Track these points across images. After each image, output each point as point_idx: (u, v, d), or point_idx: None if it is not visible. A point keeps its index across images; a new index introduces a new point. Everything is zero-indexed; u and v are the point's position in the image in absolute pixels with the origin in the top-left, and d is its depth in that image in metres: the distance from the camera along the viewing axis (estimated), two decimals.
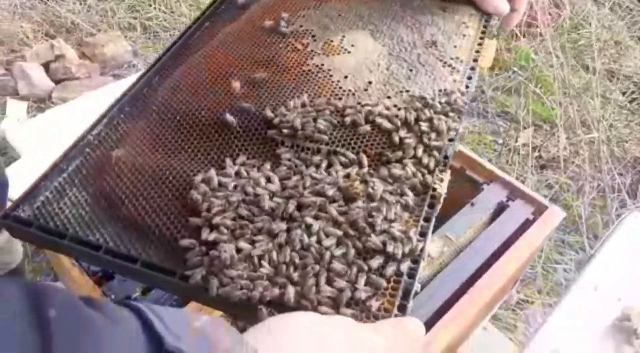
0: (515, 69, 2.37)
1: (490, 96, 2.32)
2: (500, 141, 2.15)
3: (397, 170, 0.69)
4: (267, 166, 0.71)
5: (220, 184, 0.68)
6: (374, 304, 0.54)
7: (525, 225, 0.96)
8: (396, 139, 0.73)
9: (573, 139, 2.07)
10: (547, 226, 0.95)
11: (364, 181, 0.67)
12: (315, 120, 0.75)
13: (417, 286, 0.59)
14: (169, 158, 0.73)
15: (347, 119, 0.75)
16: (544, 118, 2.22)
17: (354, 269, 0.58)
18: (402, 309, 0.56)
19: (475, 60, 0.88)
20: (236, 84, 0.82)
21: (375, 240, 0.60)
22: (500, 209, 1.01)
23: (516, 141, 2.11)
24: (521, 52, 2.45)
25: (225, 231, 0.61)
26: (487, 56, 0.91)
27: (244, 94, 0.81)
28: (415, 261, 0.60)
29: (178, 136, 0.76)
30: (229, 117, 0.76)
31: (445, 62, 0.87)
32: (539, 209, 0.98)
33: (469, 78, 0.85)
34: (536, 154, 2.06)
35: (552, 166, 2.03)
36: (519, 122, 2.16)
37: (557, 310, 1.00)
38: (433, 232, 0.90)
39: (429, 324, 0.79)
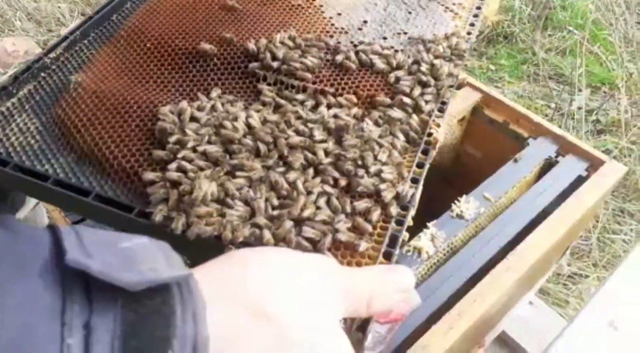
0: (571, 28, 2.16)
1: (542, 57, 2.12)
2: (553, 106, 1.94)
3: (391, 112, 0.62)
4: (244, 103, 0.63)
5: (192, 117, 0.60)
6: (362, 245, 0.47)
7: (578, 183, 0.82)
8: (392, 80, 0.65)
9: (636, 100, 1.88)
10: (603, 184, 0.80)
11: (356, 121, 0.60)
12: (303, 56, 0.67)
13: (404, 234, 0.52)
14: (135, 87, 0.65)
15: (338, 58, 0.68)
16: (601, 80, 2.02)
17: (339, 211, 0.51)
18: (388, 256, 0.49)
19: (478, 7, 0.80)
20: (217, 14, 0.73)
21: (364, 182, 0.53)
22: (548, 165, 0.86)
23: (570, 104, 1.90)
24: (577, 10, 2.23)
25: (193, 168, 0.54)
26: (492, 6, 0.84)
27: (225, 24, 0.72)
28: (405, 208, 0.53)
29: (147, 64, 0.68)
30: (207, 45, 0.68)
31: (447, 7, 0.79)
32: (594, 165, 0.83)
33: (472, 25, 0.77)
34: (592, 118, 1.88)
35: (611, 130, 1.84)
36: (574, 84, 1.94)
37: (613, 279, 0.87)
38: (469, 192, 0.82)
39: (462, 292, 0.71)
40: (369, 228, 0.51)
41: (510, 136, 0.93)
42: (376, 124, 0.61)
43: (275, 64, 0.66)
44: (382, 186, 0.53)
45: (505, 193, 0.85)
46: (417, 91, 0.64)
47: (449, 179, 1.05)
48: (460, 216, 0.80)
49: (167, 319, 0.24)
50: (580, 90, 1.95)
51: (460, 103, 0.95)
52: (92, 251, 0.25)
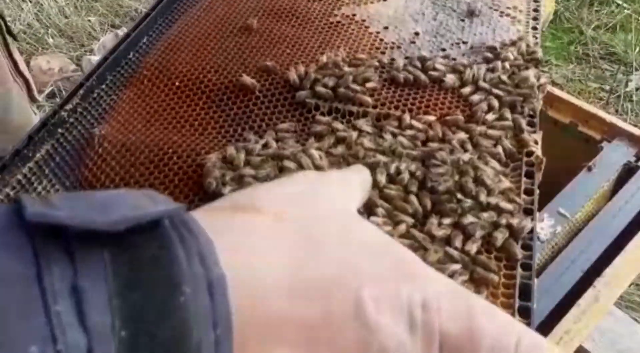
0: (619, 1, 2.00)
1: (591, 35, 1.95)
2: (608, 88, 1.80)
3: (480, 132, 0.52)
4: (296, 138, 0.53)
5: (246, 162, 0.50)
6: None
7: None
8: (467, 94, 0.56)
9: None
10: None
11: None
12: (357, 78, 0.58)
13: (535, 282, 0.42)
14: (170, 133, 0.55)
15: (398, 75, 0.58)
16: None
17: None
18: (526, 313, 0.39)
19: (536, 9, 0.71)
20: (248, 41, 0.64)
21: (479, 222, 0.43)
22: (627, 172, 0.77)
23: (626, 85, 1.77)
24: None
25: None
26: (548, 3, 0.76)
27: (259, 51, 0.63)
28: (528, 248, 0.44)
29: (180, 105, 0.58)
30: (247, 79, 0.58)
31: (502, 12, 0.71)
32: None
33: (534, 29, 0.68)
34: None
35: None
36: (629, 63, 1.81)
37: None
38: (540, 209, 0.73)
39: (544, 329, 0.61)
40: (494, 277, 0.41)
41: (579, 139, 0.83)
42: (462, 147, 0.51)
43: (328, 91, 0.56)
44: (501, 221, 0.43)
45: (582, 207, 0.75)
46: (502, 105, 0.55)
47: None
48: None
49: (171, 263, 0.20)
50: (636, 69, 1.80)
51: None
52: (58, 204, 0.20)
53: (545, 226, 0.71)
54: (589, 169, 0.77)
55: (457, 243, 0.43)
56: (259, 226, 0.28)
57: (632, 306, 1.32)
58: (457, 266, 0.41)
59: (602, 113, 0.82)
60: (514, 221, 0.44)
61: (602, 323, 1.08)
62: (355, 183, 0.37)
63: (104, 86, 0.62)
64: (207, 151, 0.52)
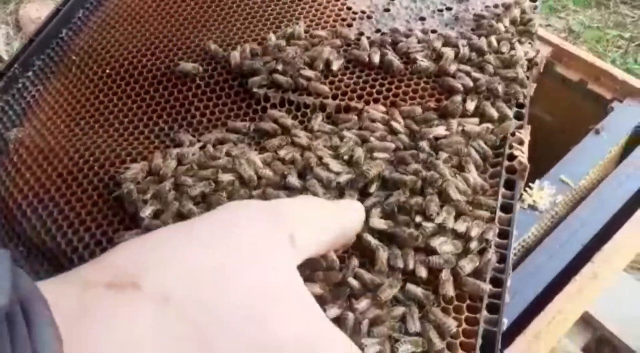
0: None
1: None
2: (627, 35, 1.66)
3: (449, 135, 0.43)
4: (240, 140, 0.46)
5: (176, 177, 0.43)
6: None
7: None
8: (445, 81, 0.47)
9: None
10: None
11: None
12: (314, 62, 0.49)
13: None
14: (95, 135, 0.48)
15: (363, 56, 0.49)
16: None
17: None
18: None
19: None
20: (195, 15, 0.55)
21: (435, 260, 0.36)
22: (637, 136, 0.70)
23: None
24: None
25: None
26: None
27: (206, 28, 0.54)
28: (498, 282, 0.36)
29: (109, 98, 0.50)
30: (188, 64, 0.50)
31: None
32: None
33: None
34: None
35: None
36: None
37: None
38: (541, 176, 0.63)
39: (537, 306, 0.54)
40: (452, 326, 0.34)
41: (589, 99, 0.73)
42: (431, 146, 0.43)
43: (287, 80, 0.48)
44: (462, 263, 0.36)
45: (587, 175, 0.67)
46: (481, 94, 0.45)
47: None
48: (533, 208, 0.63)
49: None
50: None
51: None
52: None
53: (545, 195, 0.64)
54: (597, 132, 0.68)
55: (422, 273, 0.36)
56: (133, 314, 0.22)
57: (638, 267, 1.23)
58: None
59: (614, 70, 0.71)
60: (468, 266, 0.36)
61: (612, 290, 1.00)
62: (320, 224, 0.30)
63: (30, 74, 0.54)
64: (133, 158, 0.45)
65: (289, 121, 0.46)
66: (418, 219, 0.38)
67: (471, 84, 0.46)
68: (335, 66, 0.49)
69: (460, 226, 0.37)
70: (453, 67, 0.47)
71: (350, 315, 0.33)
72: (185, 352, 0.22)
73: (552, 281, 0.57)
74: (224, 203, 0.35)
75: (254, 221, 0.27)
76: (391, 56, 0.48)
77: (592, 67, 0.74)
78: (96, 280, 0.23)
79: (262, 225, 0.27)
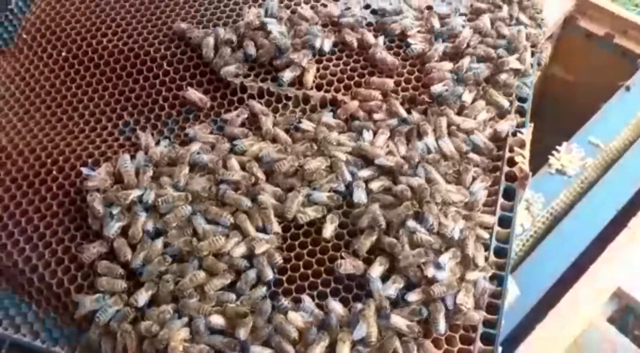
0: None
1: None
2: None
3: (442, 136, 0.40)
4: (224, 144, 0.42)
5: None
6: None
7: None
8: (435, 70, 0.42)
9: None
10: None
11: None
12: (295, 43, 0.44)
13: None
14: (50, 131, 0.43)
15: (352, 38, 0.44)
16: None
17: None
18: None
19: None
20: None
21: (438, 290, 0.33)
22: None
23: None
24: None
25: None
26: None
27: (174, 3, 0.48)
28: (495, 310, 0.34)
29: (66, 86, 0.45)
30: (155, 48, 0.45)
31: None
32: None
33: None
34: None
35: None
36: None
37: None
38: (568, 137, 0.61)
39: (569, 276, 0.52)
40: None
41: (616, 53, 0.70)
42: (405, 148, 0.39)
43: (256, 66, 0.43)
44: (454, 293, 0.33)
45: (618, 135, 0.64)
46: (480, 86, 0.41)
47: (538, 117, 0.84)
48: (561, 172, 0.60)
49: None
50: None
51: (548, 15, 0.70)
52: None
53: (573, 158, 0.61)
54: (627, 88, 0.66)
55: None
56: None
57: None
58: None
59: None
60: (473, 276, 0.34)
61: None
62: None
63: None
64: (95, 160, 0.41)
65: (269, 122, 0.42)
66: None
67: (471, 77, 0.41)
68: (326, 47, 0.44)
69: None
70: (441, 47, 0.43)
71: None
72: None
73: (585, 249, 0.55)
74: None
75: None
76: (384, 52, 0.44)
77: (619, 19, 0.70)
78: None
79: None
